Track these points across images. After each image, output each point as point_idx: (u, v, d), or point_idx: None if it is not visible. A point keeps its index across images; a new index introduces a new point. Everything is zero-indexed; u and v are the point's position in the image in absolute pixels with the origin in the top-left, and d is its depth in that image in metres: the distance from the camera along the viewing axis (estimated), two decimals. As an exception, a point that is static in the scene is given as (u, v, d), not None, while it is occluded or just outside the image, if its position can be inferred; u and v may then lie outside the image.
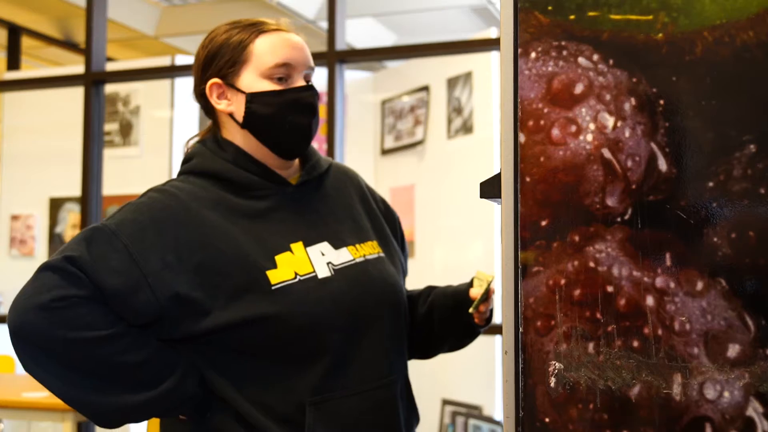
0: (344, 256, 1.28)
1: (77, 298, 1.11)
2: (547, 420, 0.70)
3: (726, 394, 0.64)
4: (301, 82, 1.29)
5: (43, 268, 1.13)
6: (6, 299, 4.49)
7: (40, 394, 2.67)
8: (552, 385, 0.70)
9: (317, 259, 1.25)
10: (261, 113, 1.26)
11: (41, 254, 4.50)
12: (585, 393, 0.69)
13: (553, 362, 0.70)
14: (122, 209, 1.22)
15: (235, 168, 1.27)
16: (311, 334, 1.20)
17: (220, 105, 1.30)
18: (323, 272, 1.24)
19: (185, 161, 1.32)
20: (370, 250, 1.33)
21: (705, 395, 0.65)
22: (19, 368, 4.19)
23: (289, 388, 1.19)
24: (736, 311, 0.64)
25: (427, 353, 1.47)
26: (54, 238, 4.46)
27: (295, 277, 1.21)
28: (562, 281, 0.70)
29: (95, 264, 1.13)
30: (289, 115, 1.27)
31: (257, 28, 1.29)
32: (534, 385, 0.71)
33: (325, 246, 1.27)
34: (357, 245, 1.32)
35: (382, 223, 1.43)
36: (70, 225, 4.43)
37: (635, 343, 0.67)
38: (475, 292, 1.33)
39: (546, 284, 0.71)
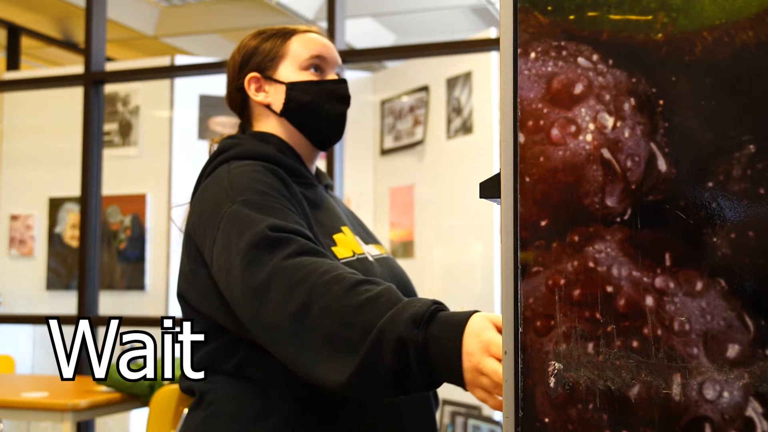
0: (373, 250, 1.35)
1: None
2: (546, 420, 0.70)
3: (725, 394, 0.64)
4: (334, 77, 1.37)
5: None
6: (6, 299, 4.48)
7: (40, 394, 2.66)
8: (551, 385, 0.70)
9: (362, 245, 1.31)
10: (301, 101, 1.33)
11: (41, 254, 4.49)
12: (584, 393, 0.69)
13: (553, 362, 0.70)
14: (218, 194, 1.21)
15: (281, 155, 1.31)
16: None
17: (258, 97, 1.37)
18: (369, 257, 1.30)
19: (220, 152, 1.32)
20: (383, 249, 1.40)
21: (704, 395, 0.65)
22: (19, 368, 4.17)
23: None
24: (736, 311, 0.64)
25: None
26: (53, 238, 4.45)
27: (354, 255, 1.25)
28: (562, 281, 0.70)
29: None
30: (327, 103, 1.35)
31: (291, 31, 1.38)
32: (533, 386, 0.71)
33: (358, 239, 1.34)
34: (374, 244, 1.39)
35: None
36: (69, 225, 4.42)
37: (635, 344, 0.67)
38: None
39: (545, 284, 0.71)
